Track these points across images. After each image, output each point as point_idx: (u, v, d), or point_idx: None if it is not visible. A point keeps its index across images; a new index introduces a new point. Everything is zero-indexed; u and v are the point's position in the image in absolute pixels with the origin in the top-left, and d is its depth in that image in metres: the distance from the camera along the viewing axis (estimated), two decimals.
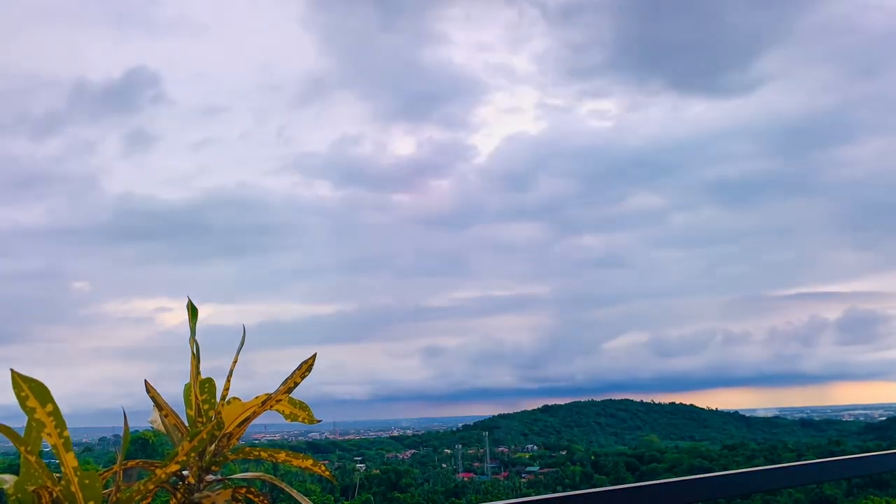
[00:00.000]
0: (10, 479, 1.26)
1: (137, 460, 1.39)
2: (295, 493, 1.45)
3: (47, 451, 1.26)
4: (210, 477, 1.43)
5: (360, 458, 70.69)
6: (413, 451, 77.87)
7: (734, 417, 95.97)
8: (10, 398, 1.20)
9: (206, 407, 1.45)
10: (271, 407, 1.46)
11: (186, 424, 1.47)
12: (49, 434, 1.20)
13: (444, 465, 70.77)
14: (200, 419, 1.45)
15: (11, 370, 1.17)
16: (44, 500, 1.22)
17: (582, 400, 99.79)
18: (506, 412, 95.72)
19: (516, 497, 2.07)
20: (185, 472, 1.41)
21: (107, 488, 1.28)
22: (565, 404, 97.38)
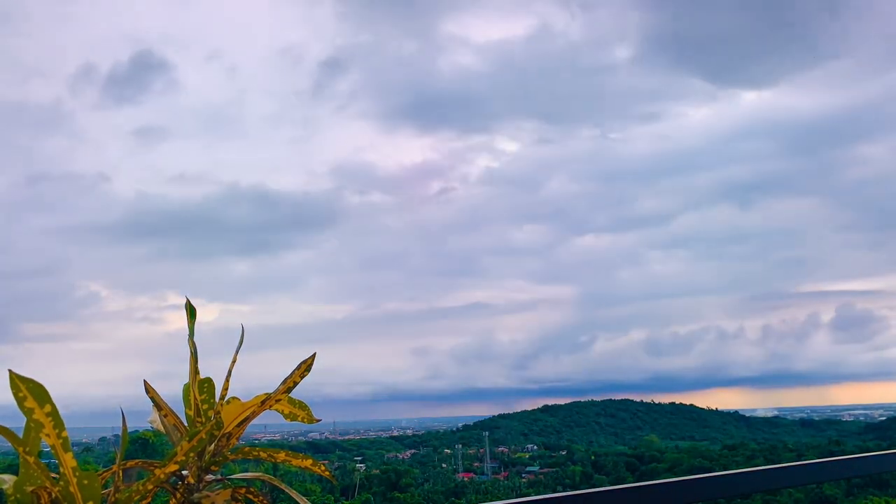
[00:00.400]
0: (9, 479, 1.26)
1: (136, 460, 1.38)
2: (294, 494, 1.45)
3: (46, 452, 1.26)
4: (209, 477, 1.43)
5: (360, 458, 70.69)
6: (413, 451, 77.89)
7: (734, 417, 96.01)
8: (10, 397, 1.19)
9: (205, 407, 1.45)
10: (270, 406, 1.45)
11: (186, 424, 1.47)
12: (48, 434, 1.19)
13: (444, 465, 70.77)
14: (199, 419, 1.45)
15: (9, 371, 1.17)
16: (42, 501, 1.21)
17: (582, 400, 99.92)
18: (506, 412, 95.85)
19: (516, 497, 2.07)
20: (184, 472, 1.41)
21: (106, 488, 1.27)
22: (565, 404, 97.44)
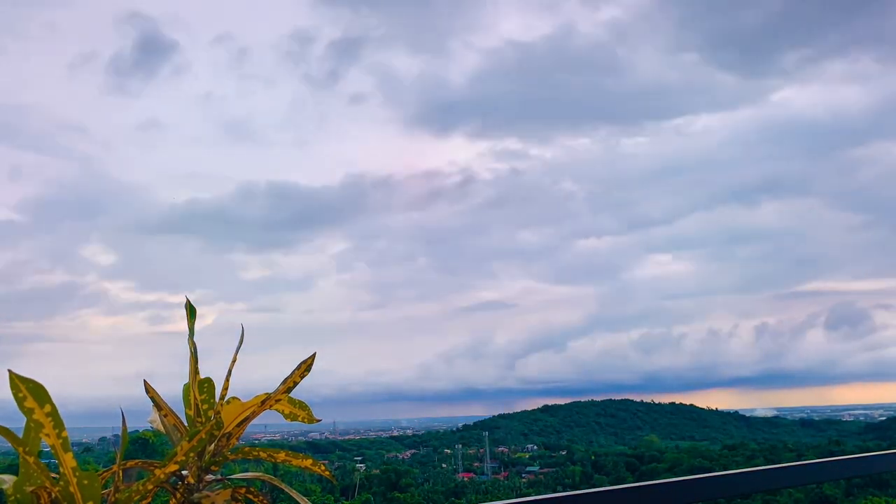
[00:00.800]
0: (9, 479, 1.26)
1: (136, 460, 1.38)
2: (294, 494, 1.45)
3: (46, 451, 1.26)
4: (209, 477, 1.42)
5: (360, 458, 70.71)
6: (413, 451, 77.92)
7: (734, 417, 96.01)
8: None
9: (205, 407, 1.45)
10: (271, 406, 1.45)
11: (186, 424, 1.47)
12: (47, 434, 1.19)
13: (444, 465, 70.78)
14: (199, 419, 1.45)
15: (9, 371, 1.16)
16: (42, 501, 1.21)
17: (582, 400, 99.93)
18: (506, 412, 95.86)
19: (516, 497, 2.07)
20: (184, 472, 1.41)
21: (106, 488, 1.27)
22: (565, 404, 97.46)
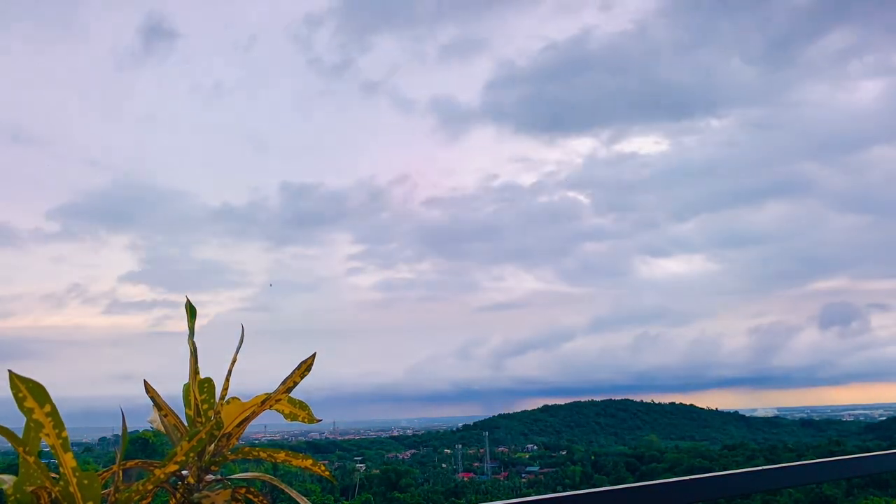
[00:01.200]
0: (9, 479, 1.26)
1: (136, 460, 1.38)
2: (294, 494, 1.45)
3: (46, 452, 1.26)
4: (209, 477, 1.42)
5: (360, 458, 70.72)
6: (413, 451, 77.95)
7: (734, 417, 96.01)
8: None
9: (205, 407, 1.45)
10: (271, 406, 1.45)
11: (186, 424, 1.47)
12: (47, 434, 1.19)
13: (444, 465, 70.79)
14: (199, 419, 1.45)
15: (9, 371, 1.16)
16: (42, 501, 1.21)
17: (582, 400, 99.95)
18: (506, 412, 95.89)
19: (516, 497, 2.07)
20: (184, 472, 1.41)
21: (106, 488, 1.27)
22: (565, 404, 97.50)
